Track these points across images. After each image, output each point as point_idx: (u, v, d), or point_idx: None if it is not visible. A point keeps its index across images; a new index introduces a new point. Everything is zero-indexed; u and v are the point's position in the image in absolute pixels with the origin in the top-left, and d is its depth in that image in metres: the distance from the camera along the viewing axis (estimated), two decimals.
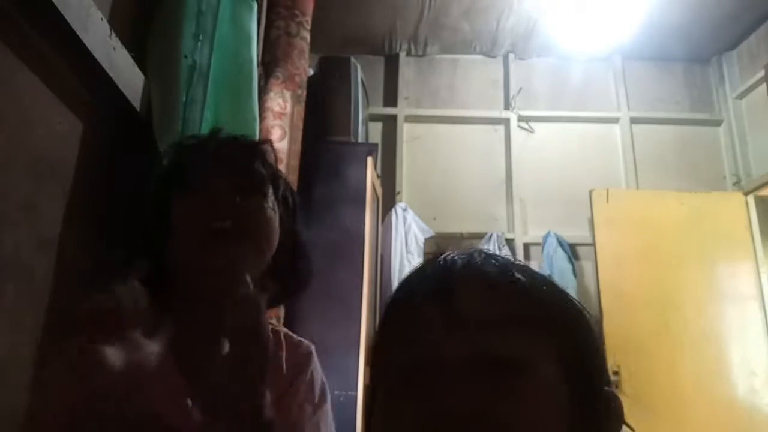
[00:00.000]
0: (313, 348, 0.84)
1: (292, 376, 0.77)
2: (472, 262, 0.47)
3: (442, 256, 0.50)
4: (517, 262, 0.50)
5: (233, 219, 0.71)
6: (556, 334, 0.44)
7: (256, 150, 0.80)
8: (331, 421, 0.79)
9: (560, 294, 0.48)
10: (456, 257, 0.48)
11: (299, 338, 0.84)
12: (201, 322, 0.72)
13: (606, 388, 0.46)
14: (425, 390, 0.41)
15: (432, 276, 0.47)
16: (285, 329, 0.84)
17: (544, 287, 0.47)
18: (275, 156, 0.83)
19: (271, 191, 0.77)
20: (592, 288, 3.48)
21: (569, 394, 0.42)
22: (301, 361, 0.80)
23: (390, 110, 3.91)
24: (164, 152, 0.83)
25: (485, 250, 0.50)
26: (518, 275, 0.46)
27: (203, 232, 0.70)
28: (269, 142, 0.86)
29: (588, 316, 0.48)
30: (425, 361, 0.42)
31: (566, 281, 3.39)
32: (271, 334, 0.71)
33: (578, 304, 0.49)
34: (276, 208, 0.77)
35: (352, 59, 2.91)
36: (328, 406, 0.80)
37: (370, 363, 0.49)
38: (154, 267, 0.74)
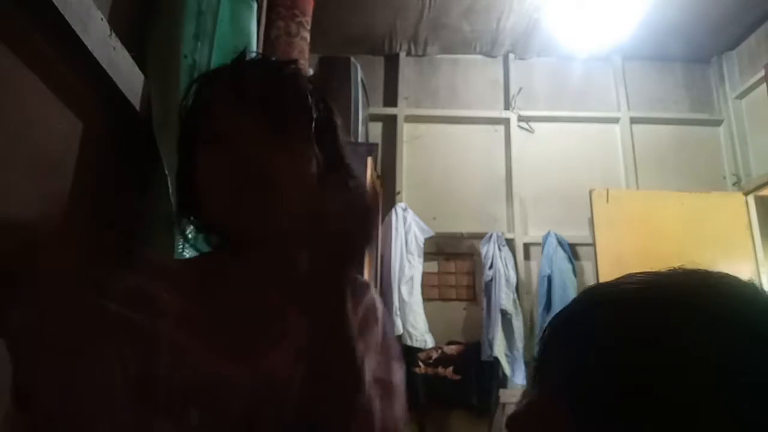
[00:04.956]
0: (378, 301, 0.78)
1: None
2: None
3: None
4: None
5: (263, 175, 0.65)
6: None
7: (285, 78, 0.71)
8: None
9: None
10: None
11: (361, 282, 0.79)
12: (242, 270, 0.70)
13: None
14: None
15: None
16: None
17: None
18: (305, 77, 0.74)
19: (303, 124, 0.69)
20: None
21: None
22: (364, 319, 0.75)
23: (390, 110, 3.91)
24: (190, 88, 0.74)
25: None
26: None
27: (232, 189, 0.65)
28: (296, 62, 0.76)
29: None
30: None
31: (566, 281, 3.40)
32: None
33: None
34: (311, 142, 0.69)
35: (352, 59, 2.91)
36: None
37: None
38: (198, 214, 0.72)
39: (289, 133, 0.67)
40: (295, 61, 0.75)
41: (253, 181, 0.64)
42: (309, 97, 0.71)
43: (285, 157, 0.66)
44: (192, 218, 0.74)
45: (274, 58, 0.76)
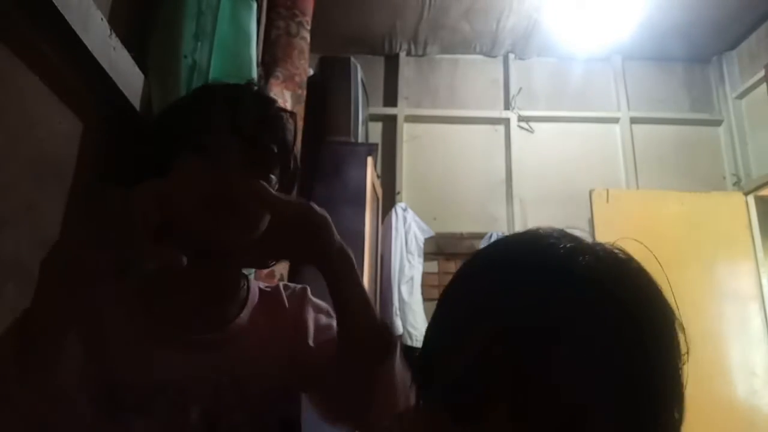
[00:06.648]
0: (308, 289, 0.88)
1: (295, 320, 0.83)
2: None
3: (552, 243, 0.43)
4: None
5: (237, 201, 0.69)
6: None
7: (281, 123, 0.78)
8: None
9: None
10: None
11: (293, 285, 0.89)
12: (193, 277, 0.74)
13: None
14: None
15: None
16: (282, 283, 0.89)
17: None
18: (295, 126, 0.82)
19: (279, 170, 0.77)
20: None
21: None
22: (299, 303, 0.85)
23: (390, 110, 3.91)
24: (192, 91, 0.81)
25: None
26: None
27: (205, 206, 0.69)
28: (294, 114, 0.83)
29: None
30: None
31: None
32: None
33: None
34: (277, 185, 0.77)
35: (352, 59, 2.91)
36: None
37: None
38: None
39: (269, 170, 0.75)
40: (293, 113, 0.84)
41: (226, 197, 0.69)
42: (293, 150, 0.80)
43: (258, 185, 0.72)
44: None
45: (275, 100, 0.83)
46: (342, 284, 0.72)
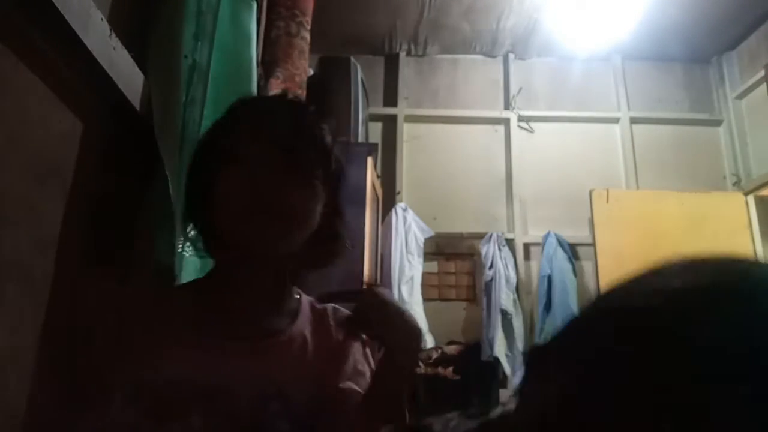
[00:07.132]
0: None
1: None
2: None
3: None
4: None
5: (280, 203, 0.73)
6: None
7: (317, 128, 0.80)
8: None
9: None
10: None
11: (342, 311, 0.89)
12: (242, 283, 0.79)
13: None
14: None
15: None
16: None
17: None
18: (331, 128, 0.83)
19: (321, 172, 0.78)
20: (592, 288, 3.48)
21: None
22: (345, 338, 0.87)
23: (390, 110, 3.91)
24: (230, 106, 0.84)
25: None
26: None
27: (247, 212, 0.73)
28: (330, 118, 0.86)
29: None
30: None
31: (566, 281, 3.40)
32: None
33: None
34: (323, 189, 0.78)
35: (352, 59, 2.91)
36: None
37: None
38: (204, 226, 0.81)
39: (310, 173, 0.77)
40: (328, 117, 0.85)
41: (270, 204, 0.72)
42: (332, 151, 0.81)
43: (302, 192, 0.76)
44: (198, 227, 0.82)
45: (313, 107, 0.85)
46: (395, 372, 0.76)
